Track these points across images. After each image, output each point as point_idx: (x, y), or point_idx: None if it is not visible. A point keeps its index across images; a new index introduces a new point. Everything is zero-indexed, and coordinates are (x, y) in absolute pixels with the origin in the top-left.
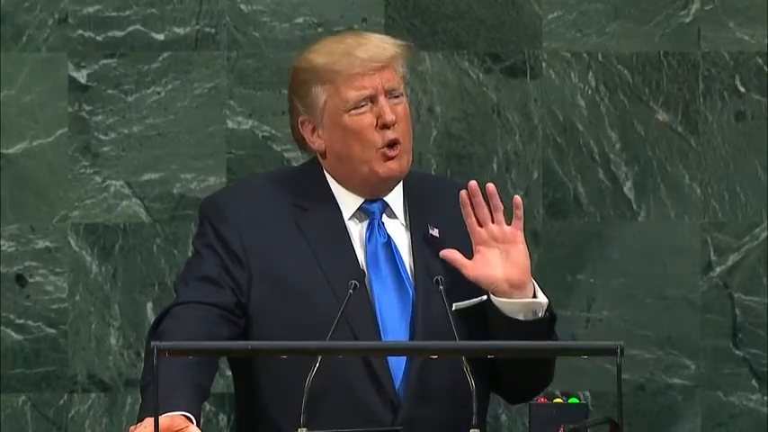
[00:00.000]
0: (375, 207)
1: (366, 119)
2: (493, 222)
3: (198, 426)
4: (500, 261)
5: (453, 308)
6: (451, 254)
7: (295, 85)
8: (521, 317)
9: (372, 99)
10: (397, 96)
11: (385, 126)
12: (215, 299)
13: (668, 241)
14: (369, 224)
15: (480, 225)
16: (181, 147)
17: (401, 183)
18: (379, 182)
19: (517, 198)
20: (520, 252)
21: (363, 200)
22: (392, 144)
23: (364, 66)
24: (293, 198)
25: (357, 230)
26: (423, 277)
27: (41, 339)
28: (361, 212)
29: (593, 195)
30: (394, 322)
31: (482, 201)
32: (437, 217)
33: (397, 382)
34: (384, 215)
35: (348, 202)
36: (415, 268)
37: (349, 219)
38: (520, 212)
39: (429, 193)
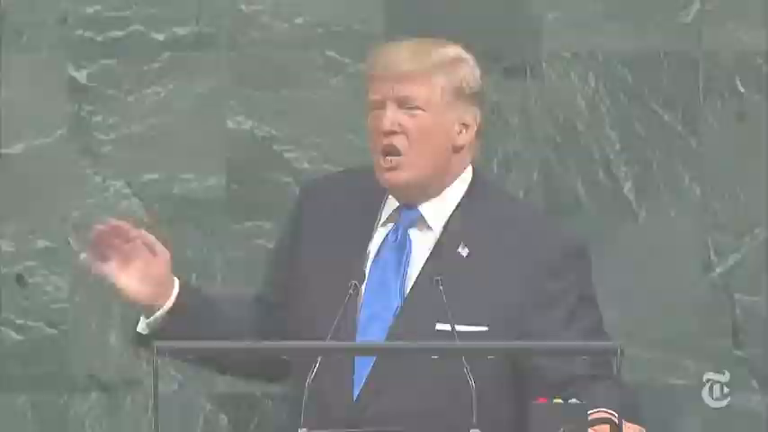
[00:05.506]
0: (405, 214)
1: (376, 122)
2: None
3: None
4: None
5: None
6: None
7: None
8: None
9: (382, 105)
10: (412, 108)
11: (384, 133)
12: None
13: (668, 241)
14: (393, 228)
15: None
16: (181, 147)
17: (465, 200)
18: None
19: None
20: None
21: (398, 204)
22: (387, 152)
23: (379, 72)
24: (362, 197)
25: (382, 233)
26: (420, 289)
27: (41, 339)
28: (393, 215)
29: (593, 195)
30: (373, 328)
31: None
32: (477, 239)
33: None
34: (417, 224)
35: (390, 203)
36: (418, 279)
37: (384, 221)
38: None
39: (494, 220)
